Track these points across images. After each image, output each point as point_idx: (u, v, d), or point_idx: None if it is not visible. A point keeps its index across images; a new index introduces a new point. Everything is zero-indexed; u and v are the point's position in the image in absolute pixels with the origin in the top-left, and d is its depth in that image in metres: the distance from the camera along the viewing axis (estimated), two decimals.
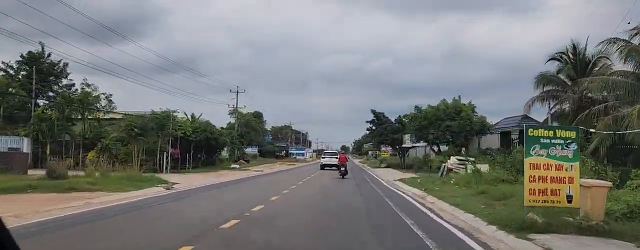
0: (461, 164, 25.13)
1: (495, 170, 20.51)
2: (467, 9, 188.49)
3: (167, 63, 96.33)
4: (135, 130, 29.92)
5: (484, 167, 22.34)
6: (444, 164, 27.32)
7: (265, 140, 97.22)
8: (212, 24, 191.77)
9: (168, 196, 15.71)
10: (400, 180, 26.05)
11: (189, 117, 55.27)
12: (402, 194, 18.18)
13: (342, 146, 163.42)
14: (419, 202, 14.92)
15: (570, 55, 26.70)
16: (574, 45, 26.55)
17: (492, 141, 36.55)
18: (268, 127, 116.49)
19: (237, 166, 43.52)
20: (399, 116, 48.63)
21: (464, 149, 37.23)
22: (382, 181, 27.52)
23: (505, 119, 35.61)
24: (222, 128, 65.00)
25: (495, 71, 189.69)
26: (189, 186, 20.92)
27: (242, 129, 73.98)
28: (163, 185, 19.48)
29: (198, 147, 40.94)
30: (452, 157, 27.64)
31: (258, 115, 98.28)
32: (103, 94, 36.93)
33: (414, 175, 31.07)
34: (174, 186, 19.98)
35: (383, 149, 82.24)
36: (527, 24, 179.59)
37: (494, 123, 36.58)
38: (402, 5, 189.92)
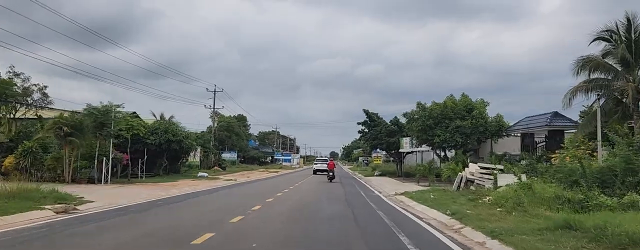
0: (487, 174, 18.94)
1: (548, 184, 14.27)
2: (459, 15, 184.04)
3: (152, 66, 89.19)
4: (64, 129, 23.27)
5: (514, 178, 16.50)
6: (460, 174, 21.10)
7: (249, 145, 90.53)
8: (201, 28, 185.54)
9: (23, 234, 9.18)
10: (404, 194, 19.76)
11: (158, 117, 48.66)
12: (420, 222, 11.80)
13: (331, 152, 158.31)
14: (459, 244, 8.59)
15: (623, 33, 20.59)
16: (628, 19, 20.43)
17: (508, 144, 30.46)
18: (255, 132, 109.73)
19: (206, 174, 36.86)
20: (395, 117, 42.15)
21: (470, 153, 31.20)
22: (381, 195, 21.22)
23: (527, 117, 29.52)
24: (202, 132, 58.29)
25: (492, 75, 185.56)
26: (108, 206, 14.49)
27: (223, 132, 67.16)
28: (60, 206, 12.96)
29: (158, 151, 34.44)
30: (472, 164, 21.42)
31: (242, 119, 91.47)
32: (35, 85, 30.14)
33: (418, 186, 24.88)
34: (78, 207, 13.51)
35: (374, 154, 75.66)
36: (520, 30, 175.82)
37: (512, 124, 30.45)
38: (393, 9, 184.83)
